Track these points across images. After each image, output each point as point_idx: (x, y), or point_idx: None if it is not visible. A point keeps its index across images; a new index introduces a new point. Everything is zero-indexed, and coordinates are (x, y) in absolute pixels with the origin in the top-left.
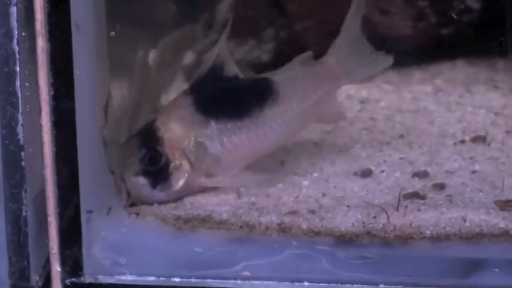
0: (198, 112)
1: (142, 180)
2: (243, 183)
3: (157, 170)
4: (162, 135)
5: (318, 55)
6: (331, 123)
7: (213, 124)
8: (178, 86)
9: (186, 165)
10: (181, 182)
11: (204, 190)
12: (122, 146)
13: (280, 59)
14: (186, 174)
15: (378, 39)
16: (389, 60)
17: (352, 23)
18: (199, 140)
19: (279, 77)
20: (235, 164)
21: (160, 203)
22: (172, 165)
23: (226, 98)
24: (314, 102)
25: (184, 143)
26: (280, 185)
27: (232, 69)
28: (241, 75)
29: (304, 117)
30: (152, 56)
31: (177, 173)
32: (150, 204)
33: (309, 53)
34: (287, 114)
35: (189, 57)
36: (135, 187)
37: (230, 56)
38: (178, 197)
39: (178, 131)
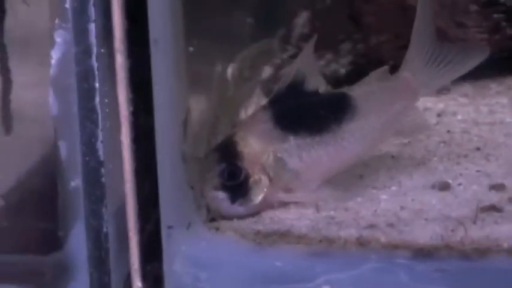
0: (277, 127)
1: (221, 195)
2: (321, 199)
3: (237, 185)
4: (241, 150)
5: (395, 68)
6: (414, 134)
7: (292, 139)
8: (256, 101)
9: (265, 180)
10: (260, 197)
11: (282, 205)
12: (201, 160)
13: (356, 73)
14: (265, 189)
15: None
16: (483, 52)
17: (420, 31)
18: (278, 155)
19: (356, 92)
20: (313, 179)
21: (240, 217)
22: (251, 180)
23: (305, 113)
24: (392, 117)
25: (263, 157)
26: (358, 199)
27: (313, 84)
28: (322, 89)
29: (382, 131)
30: (230, 70)
31: (256, 188)
32: (230, 218)
33: (385, 67)
34: (365, 129)
35: (266, 72)
36: (215, 201)
37: (314, 70)
38: (257, 212)
39: (258, 146)
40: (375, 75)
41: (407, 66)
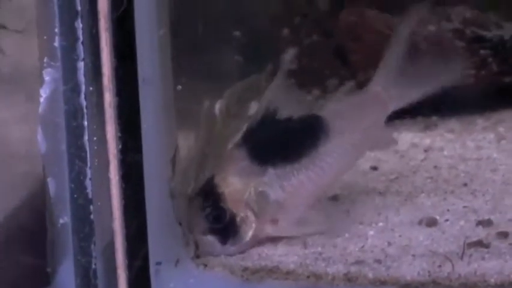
0: (254, 162)
1: (211, 239)
2: (308, 233)
3: (225, 226)
4: (222, 191)
5: None
6: (383, 149)
7: (271, 170)
8: None
9: (251, 216)
10: (250, 234)
11: (271, 240)
12: (187, 205)
13: None
14: (253, 225)
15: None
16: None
17: (395, 47)
18: (260, 189)
19: (326, 112)
20: (297, 206)
21: (233, 255)
22: (238, 218)
23: (279, 142)
24: (364, 132)
25: (245, 194)
26: (346, 235)
27: (287, 112)
28: (301, 113)
29: (357, 147)
30: (218, 106)
31: (244, 226)
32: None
33: (351, 83)
34: (340, 148)
35: (254, 108)
36: (206, 246)
37: (289, 97)
38: (249, 248)
39: (238, 184)
40: (342, 91)
41: (377, 80)
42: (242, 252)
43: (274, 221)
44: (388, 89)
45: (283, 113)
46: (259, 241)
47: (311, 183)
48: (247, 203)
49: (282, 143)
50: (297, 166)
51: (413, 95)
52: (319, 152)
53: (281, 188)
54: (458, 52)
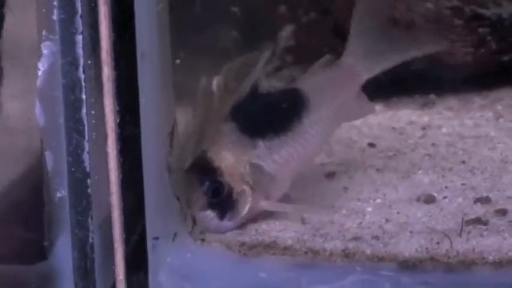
0: (244, 135)
1: (210, 214)
2: (303, 210)
3: (223, 200)
4: (218, 165)
5: (377, 79)
6: (362, 117)
7: (261, 144)
8: None
9: (247, 189)
10: (247, 208)
11: (264, 216)
12: (183, 181)
13: None
14: (250, 198)
15: (439, 66)
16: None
17: (360, 18)
18: (253, 161)
19: (305, 84)
20: (286, 179)
21: (230, 231)
22: (235, 192)
23: (265, 116)
24: (342, 102)
25: (240, 168)
26: (343, 211)
27: (265, 85)
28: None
29: (336, 118)
30: (215, 82)
31: (241, 199)
32: (221, 234)
33: (327, 56)
34: (321, 119)
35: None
36: (205, 221)
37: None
38: (245, 224)
39: (232, 158)
40: (319, 64)
41: (348, 52)
42: (237, 228)
43: (267, 196)
44: (359, 59)
45: (263, 87)
46: (254, 216)
47: (298, 155)
48: (242, 176)
49: (268, 116)
50: (284, 138)
51: (385, 64)
52: (303, 124)
53: (272, 161)
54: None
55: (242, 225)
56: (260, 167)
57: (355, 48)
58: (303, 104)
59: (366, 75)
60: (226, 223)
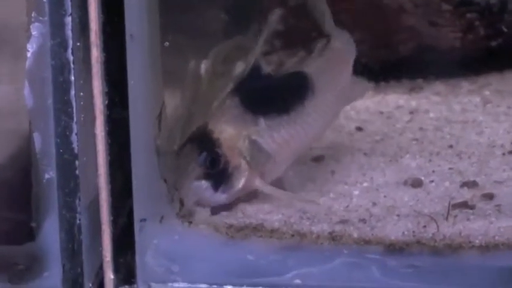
0: (247, 111)
1: (205, 184)
2: (294, 197)
3: (219, 172)
4: (217, 137)
5: (367, 67)
6: (361, 98)
7: (263, 121)
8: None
9: (244, 164)
10: (242, 181)
11: (254, 196)
12: (177, 153)
13: None
14: (246, 173)
15: (427, 51)
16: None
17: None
18: (253, 137)
19: (309, 69)
20: (284, 160)
21: (221, 204)
22: (231, 165)
23: (270, 95)
24: (341, 86)
25: (239, 142)
26: (331, 195)
27: (266, 68)
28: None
29: (338, 102)
30: (204, 66)
31: (237, 173)
32: (212, 206)
33: (324, 40)
34: (324, 103)
35: (239, 68)
36: (198, 192)
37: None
38: (237, 198)
39: (232, 131)
40: (319, 49)
41: (334, 35)
42: (229, 202)
43: (262, 174)
44: (343, 43)
45: (265, 69)
46: (246, 193)
47: (298, 137)
48: (240, 151)
49: (271, 95)
50: (285, 118)
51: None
52: (305, 107)
53: (271, 139)
54: None
55: (233, 203)
56: (259, 144)
57: (334, 31)
58: (307, 87)
59: (351, 58)
60: (220, 195)
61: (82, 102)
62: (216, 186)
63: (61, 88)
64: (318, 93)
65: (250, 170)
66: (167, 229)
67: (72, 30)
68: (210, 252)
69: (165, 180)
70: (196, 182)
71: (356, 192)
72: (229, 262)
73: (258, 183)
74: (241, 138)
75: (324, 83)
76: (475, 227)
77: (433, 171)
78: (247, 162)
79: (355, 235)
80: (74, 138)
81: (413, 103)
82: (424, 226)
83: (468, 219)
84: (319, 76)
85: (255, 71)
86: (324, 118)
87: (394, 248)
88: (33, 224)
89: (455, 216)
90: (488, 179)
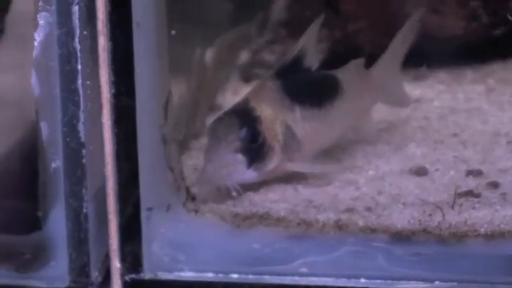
0: (286, 96)
1: (240, 158)
2: (318, 170)
3: (255, 149)
4: (259, 115)
5: (371, 56)
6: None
7: (298, 109)
8: (234, 85)
9: (277, 147)
10: (274, 163)
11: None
12: (212, 125)
13: (333, 59)
14: (279, 155)
15: (430, 39)
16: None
17: (404, 39)
18: (289, 123)
19: (342, 76)
20: (310, 151)
21: (250, 182)
22: (266, 145)
23: (306, 87)
24: (363, 103)
25: (276, 125)
26: (336, 183)
27: (311, 61)
28: (315, 67)
29: (357, 114)
30: (209, 55)
31: (271, 153)
32: (241, 182)
33: (362, 59)
34: (348, 110)
35: (244, 57)
36: (232, 164)
37: (315, 48)
38: (265, 179)
39: (272, 113)
40: (353, 64)
41: (378, 67)
42: (258, 181)
43: (291, 160)
44: (381, 81)
45: (308, 61)
46: (276, 174)
47: (324, 132)
48: (276, 133)
49: (308, 88)
50: (317, 113)
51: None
52: (334, 107)
53: (303, 129)
54: None
55: (262, 181)
56: (293, 131)
57: (383, 66)
58: (338, 90)
59: (380, 98)
60: (251, 172)
61: (89, 91)
62: (249, 163)
63: (68, 77)
64: (346, 98)
65: (282, 153)
66: (174, 218)
67: (79, 19)
68: (217, 241)
69: (172, 169)
70: (231, 155)
71: (362, 181)
72: (236, 251)
73: (289, 165)
74: (279, 121)
75: (351, 92)
76: (480, 216)
77: (438, 160)
78: (280, 145)
79: (361, 223)
80: (80, 127)
81: (418, 91)
82: (430, 214)
83: (473, 208)
84: (349, 85)
85: (298, 61)
86: (346, 122)
87: (400, 237)
88: (40, 213)
89: (461, 204)
90: (493, 167)
